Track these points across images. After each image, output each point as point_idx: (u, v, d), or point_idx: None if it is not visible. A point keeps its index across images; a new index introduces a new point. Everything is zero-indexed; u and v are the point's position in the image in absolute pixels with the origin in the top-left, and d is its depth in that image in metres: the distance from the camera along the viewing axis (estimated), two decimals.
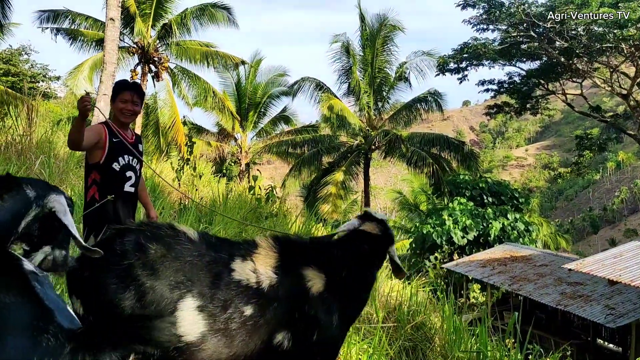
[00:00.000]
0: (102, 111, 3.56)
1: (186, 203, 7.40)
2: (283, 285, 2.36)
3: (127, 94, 3.67)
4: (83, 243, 2.05)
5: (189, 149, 7.07)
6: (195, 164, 7.17)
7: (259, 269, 2.35)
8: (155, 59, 20.99)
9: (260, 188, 7.08)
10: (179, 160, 7.27)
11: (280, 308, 2.32)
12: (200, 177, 7.42)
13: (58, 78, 32.88)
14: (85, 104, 3.25)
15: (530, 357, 5.03)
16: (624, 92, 21.49)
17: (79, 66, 19.84)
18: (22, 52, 32.19)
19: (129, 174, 3.67)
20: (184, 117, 16.95)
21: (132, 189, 3.72)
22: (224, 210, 6.54)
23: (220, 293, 2.22)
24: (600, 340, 14.92)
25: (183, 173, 6.87)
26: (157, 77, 21.13)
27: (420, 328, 5.69)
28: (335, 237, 2.83)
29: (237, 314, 2.23)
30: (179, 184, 7.05)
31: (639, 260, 11.10)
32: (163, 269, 2.18)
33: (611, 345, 14.88)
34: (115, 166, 3.59)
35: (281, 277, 2.38)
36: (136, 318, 2.09)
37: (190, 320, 2.16)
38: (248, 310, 2.24)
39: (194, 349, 2.16)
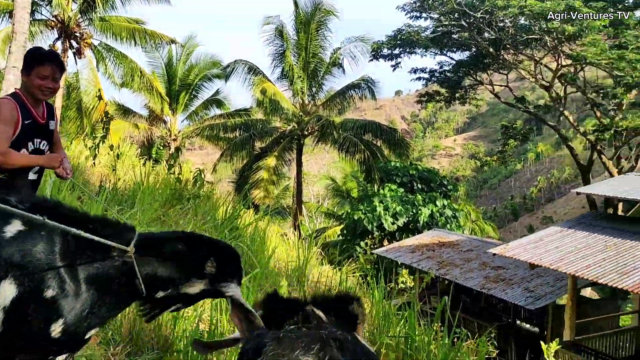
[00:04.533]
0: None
1: (106, 185, 6.90)
2: None
3: (48, 69, 3.05)
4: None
5: (105, 125, 6.51)
6: (111, 142, 6.63)
7: None
8: (77, 34, 19.71)
9: (176, 168, 6.68)
10: (92, 138, 6.66)
11: None
12: (119, 156, 6.89)
13: None
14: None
15: (456, 340, 5.02)
16: (547, 84, 22.47)
17: None
18: None
19: None
20: (98, 90, 15.89)
21: (36, 177, 3.22)
22: (144, 192, 6.11)
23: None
24: (519, 321, 15.57)
25: (98, 152, 6.33)
26: (79, 53, 19.86)
27: None
28: None
29: None
30: (94, 163, 6.53)
31: (557, 245, 11.58)
32: None
33: (527, 326, 15.59)
34: (23, 152, 3.07)
35: None
36: None
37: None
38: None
39: None
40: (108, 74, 21.11)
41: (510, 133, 25.79)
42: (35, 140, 3.14)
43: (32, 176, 3.19)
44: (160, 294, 2.08)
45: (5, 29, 18.54)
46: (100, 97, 12.65)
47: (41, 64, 3.07)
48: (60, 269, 1.83)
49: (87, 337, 1.92)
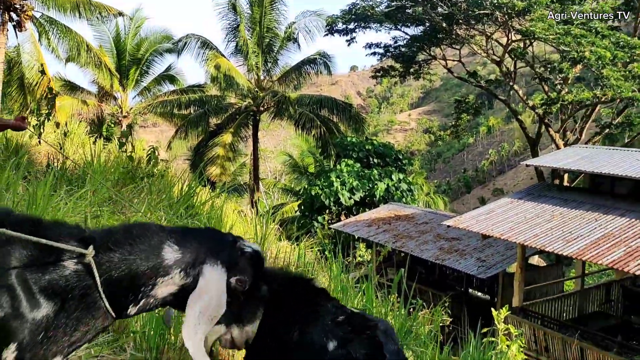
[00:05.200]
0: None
1: (54, 163, 6.65)
2: None
3: None
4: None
5: (50, 102, 6.25)
6: (58, 120, 6.38)
7: None
8: (17, 6, 18.69)
9: (128, 146, 6.49)
10: (37, 115, 6.34)
11: None
12: (66, 134, 6.65)
13: None
14: None
15: (412, 310, 5.16)
16: (498, 59, 22.96)
17: None
18: None
19: None
20: (41, 65, 15.20)
21: None
22: (95, 172, 5.93)
23: None
24: (472, 290, 16.14)
25: (44, 130, 6.08)
26: (19, 26, 18.85)
27: None
28: None
29: None
30: (39, 142, 6.28)
31: (508, 216, 12.00)
32: None
33: (479, 294, 16.20)
34: None
35: None
36: None
37: None
38: None
39: None
40: (52, 48, 20.20)
41: (463, 107, 26.34)
42: None
43: None
44: (132, 310, 1.67)
45: None
46: (43, 72, 12.04)
47: None
48: (10, 285, 1.53)
49: None
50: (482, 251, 14.08)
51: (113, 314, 1.64)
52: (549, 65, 21.99)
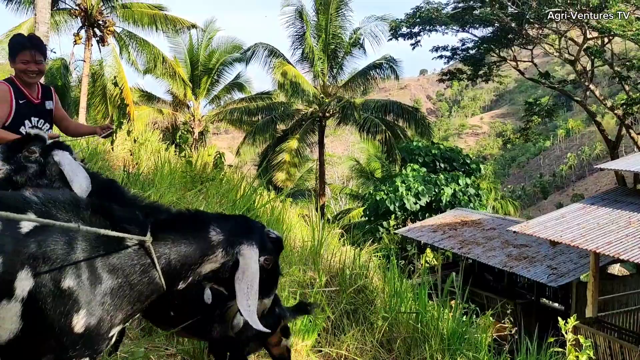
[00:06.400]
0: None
1: (129, 169, 7.11)
2: None
3: (28, 54, 3.33)
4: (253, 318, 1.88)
5: (122, 112, 6.72)
6: (133, 128, 6.85)
7: None
8: (100, 22, 20.06)
9: (188, 151, 6.82)
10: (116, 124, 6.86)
11: None
12: (135, 141, 7.11)
13: None
14: None
15: (466, 315, 5.10)
16: (572, 58, 21.91)
17: (15, 29, 18.74)
18: None
19: None
20: (114, 77, 16.14)
21: None
22: (162, 177, 6.30)
23: None
24: (544, 299, 15.50)
25: (116, 137, 6.55)
26: (102, 41, 20.24)
27: (362, 291, 5.71)
28: None
29: None
30: (112, 149, 6.75)
31: (579, 222, 11.45)
32: None
33: (555, 304, 15.50)
34: (23, 130, 3.30)
35: None
36: None
37: None
38: None
39: None
40: (131, 60, 21.46)
41: (534, 110, 25.27)
42: (32, 118, 3.40)
43: None
44: (182, 285, 1.92)
45: (29, 20, 18.98)
46: (116, 84, 12.88)
47: (22, 51, 3.34)
48: (78, 258, 1.75)
49: (110, 334, 1.81)
50: (553, 259, 13.51)
51: (165, 289, 1.89)
52: (628, 63, 20.74)
